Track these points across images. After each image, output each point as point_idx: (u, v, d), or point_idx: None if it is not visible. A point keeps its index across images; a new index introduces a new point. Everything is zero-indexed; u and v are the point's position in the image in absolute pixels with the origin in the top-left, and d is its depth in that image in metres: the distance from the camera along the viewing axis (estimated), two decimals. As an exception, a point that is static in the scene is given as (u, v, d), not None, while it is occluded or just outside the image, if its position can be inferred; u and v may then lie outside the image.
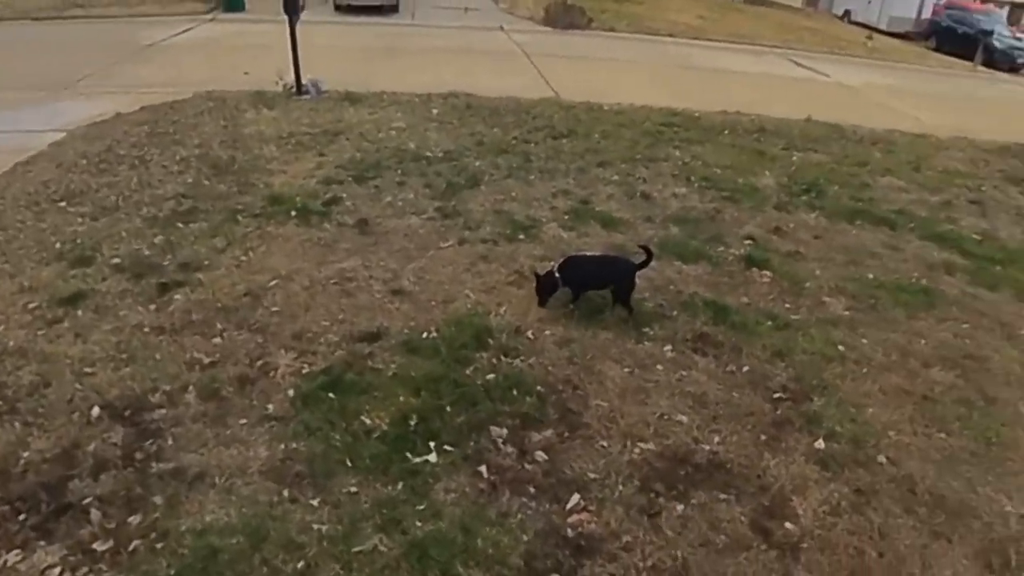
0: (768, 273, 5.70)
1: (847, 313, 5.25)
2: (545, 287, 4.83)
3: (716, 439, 3.86)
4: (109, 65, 11.81)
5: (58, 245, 5.62)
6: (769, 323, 4.98)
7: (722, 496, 3.51)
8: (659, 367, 4.41)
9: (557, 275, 4.80)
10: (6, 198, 6.47)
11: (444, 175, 7.28)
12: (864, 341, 4.89)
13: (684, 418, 3.99)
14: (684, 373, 4.37)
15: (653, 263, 4.91)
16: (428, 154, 7.89)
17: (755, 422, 4.02)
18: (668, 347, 4.60)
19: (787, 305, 5.28)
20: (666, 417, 3.99)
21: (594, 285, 4.94)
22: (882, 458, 3.83)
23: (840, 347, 4.78)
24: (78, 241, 5.67)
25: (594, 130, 9.42)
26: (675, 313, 5.00)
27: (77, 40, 14.17)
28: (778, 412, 4.11)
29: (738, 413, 4.08)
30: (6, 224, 5.98)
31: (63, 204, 6.37)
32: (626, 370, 4.36)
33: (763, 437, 3.91)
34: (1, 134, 8.31)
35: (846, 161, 9.26)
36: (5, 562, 3.08)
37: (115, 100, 9.59)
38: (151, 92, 10.01)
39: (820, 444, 3.89)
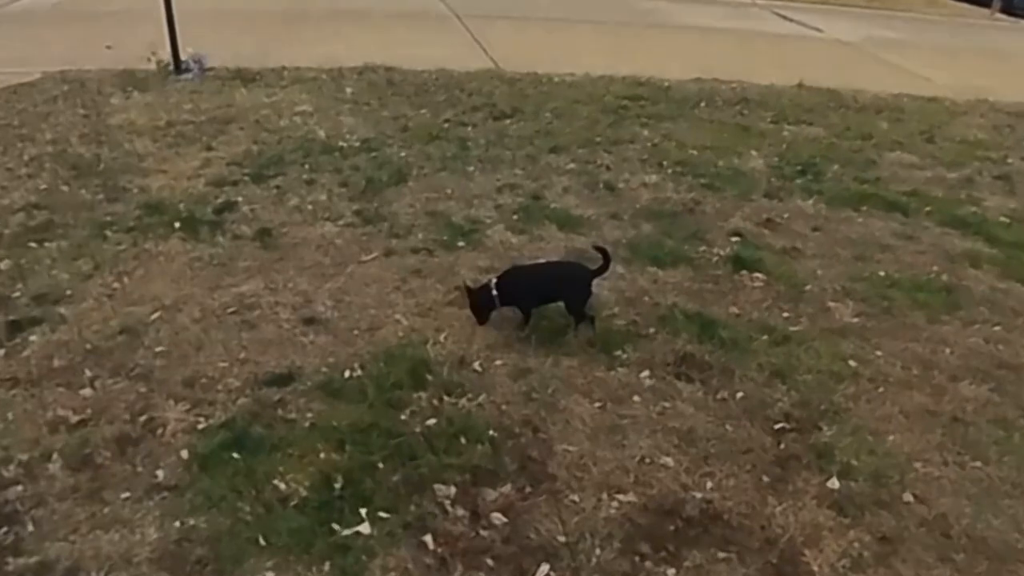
0: (760, 276, 5.76)
1: (857, 320, 5.33)
2: (480, 304, 4.83)
3: (709, 484, 3.85)
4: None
5: None
6: (765, 337, 5.01)
7: (721, 555, 3.48)
8: (636, 399, 4.40)
9: (495, 293, 4.76)
10: None
11: (363, 170, 7.24)
12: (879, 353, 4.96)
13: (670, 460, 3.98)
14: (667, 405, 4.37)
15: (622, 269, 4.93)
16: (342, 144, 7.84)
17: (755, 460, 4.02)
18: (646, 373, 4.60)
19: (785, 314, 5.33)
20: (648, 460, 3.97)
21: (541, 299, 4.91)
22: (908, 496, 3.86)
23: (851, 362, 4.83)
24: None
25: (544, 108, 9.46)
26: (652, 331, 5.01)
27: None
28: (781, 446, 4.12)
29: (734, 451, 4.07)
30: None
31: None
32: (596, 405, 4.34)
33: (765, 478, 3.91)
34: None
35: (847, 134, 9.45)
36: None
37: (-62, 86, 9.34)
38: (-12, 74, 9.76)
39: (834, 483, 3.90)
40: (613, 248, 5.84)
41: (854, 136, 9.38)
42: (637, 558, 3.44)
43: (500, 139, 8.22)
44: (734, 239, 6.34)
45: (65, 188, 6.72)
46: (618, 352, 4.76)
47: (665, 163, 7.87)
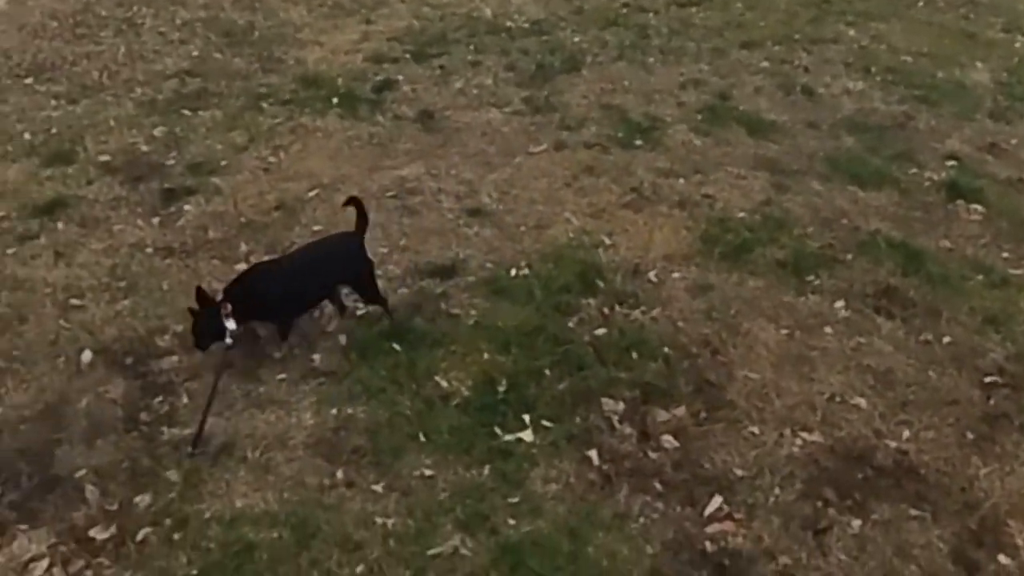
0: (979, 207, 5.40)
1: None
2: (204, 329, 3.82)
3: (906, 434, 3.70)
4: None
5: (27, 136, 5.73)
6: (980, 277, 4.73)
7: (913, 512, 3.36)
8: (828, 330, 4.25)
9: (224, 312, 3.75)
10: (-45, 74, 6.60)
11: (532, 53, 7.14)
12: None
13: (863, 402, 3.84)
14: (862, 340, 4.19)
15: (819, 186, 4.61)
16: (510, 24, 7.74)
17: (960, 414, 3.82)
18: (840, 303, 4.43)
19: (1005, 255, 4.99)
20: (838, 399, 3.85)
21: (316, 298, 4.15)
22: None
23: None
24: (53, 131, 5.78)
25: (735, -5, 9.09)
26: (850, 257, 4.80)
27: None
28: (991, 402, 3.91)
29: (936, 400, 3.89)
30: (-44, 108, 6.10)
31: (30, 81, 6.49)
32: (783, 332, 4.22)
33: (970, 435, 3.72)
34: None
35: (1094, 49, 8.75)
36: (-19, 547, 3.18)
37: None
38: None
39: None
40: (809, 161, 5.66)
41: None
42: (820, 503, 3.35)
43: (684, 28, 7.93)
44: (950, 163, 5.95)
45: (218, 56, 6.91)
46: (810, 277, 4.59)
47: (873, 69, 7.45)
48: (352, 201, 4.15)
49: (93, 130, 5.74)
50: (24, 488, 3.38)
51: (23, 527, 3.22)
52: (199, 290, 3.76)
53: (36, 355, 3.99)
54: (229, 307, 3.74)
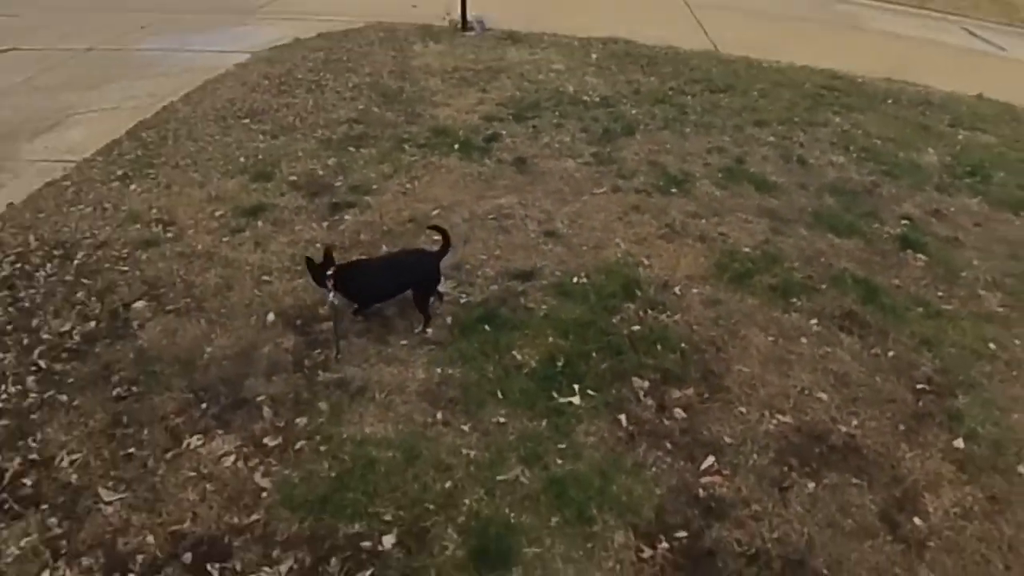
0: (923, 257, 5.17)
1: (1002, 310, 4.70)
2: (315, 274, 3.89)
3: (854, 422, 3.60)
4: (288, -8, 12.05)
5: (242, 159, 5.86)
6: (920, 310, 4.54)
7: (854, 480, 3.28)
8: (804, 340, 4.13)
9: (329, 276, 3.82)
10: (197, 112, 6.78)
11: (600, 120, 7.05)
12: (1017, 342, 4.37)
13: (824, 396, 3.74)
14: (828, 350, 4.08)
15: (805, 232, 4.52)
16: (585, 98, 7.65)
17: (895, 410, 3.71)
18: (814, 321, 4.30)
19: (940, 294, 4.78)
20: (807, 392, 3.75)
21: (389, 293, 4.06)
22: (1022, 468, 3.45)
23: (991, 345, 4.29)
24: (260, 157, 5.89)
25: (752, 87, 8.85)
26: (824, 287, 4.64)
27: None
28: (920, 404, 3.77)
29: (879, 399, 3.77)
30: (197, 136, 6.27)
31: (247, 121, 6.62)
32: (771, 339, 4.11)
33: (902, 427, 3.61)
34: (195, 53, 8.70)
35: (1017, 146, 8.28)
36: (188, 444, 3.28)
37: (294, 26, 9.78)
38: (327, 20, 10.13)
39: (959, 443, 3.55)
40: (799, 213, 5.51)
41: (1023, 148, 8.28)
42: (785, 468, 3.31)
43: (713, 109, 7.78)
44: (904, 222, 5.70)
45: (376, 110, 6.96)
46: (794, 299, 4.46)
47: (851, 148, 7.20)
48: (437, 229, 4.10)
49: (287, 158, 5.85)
50: (222, 405, 3.49)
51: (220, 432, 3.35)
52: (327, 248, 3.89)
53: (237, 313, 4.10)
54: (331, 275, 3.77)
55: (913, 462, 3.41)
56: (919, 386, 3.89)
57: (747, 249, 4.93)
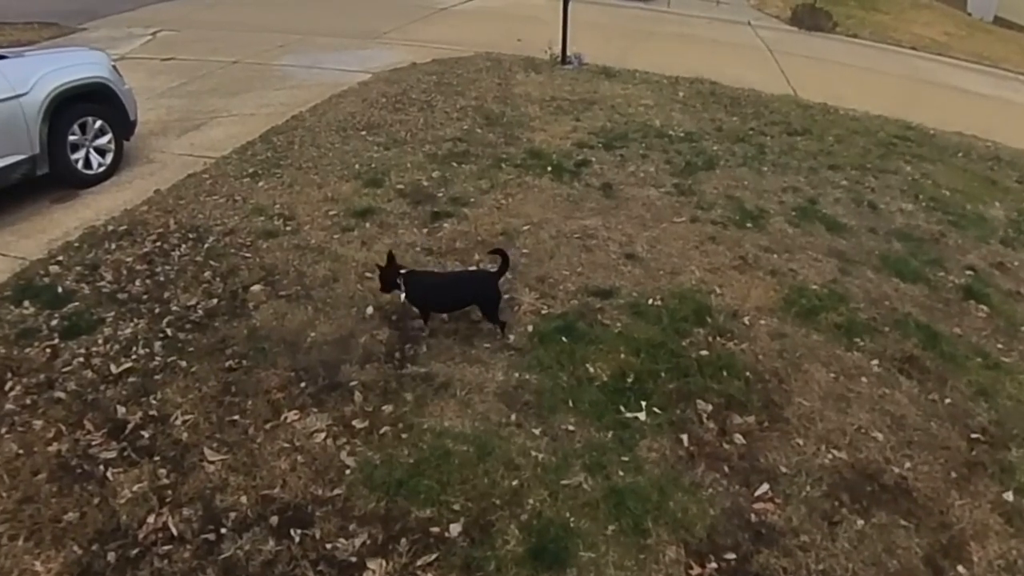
0: (985, 308, 4.79)
1: None
2: (388, 278, 3.85)
3: (907, 464, 3.33)
4: (408, 23, 12.21)
5: (357, 166, 5.93)
6: (979, 360, 4.19)
7: (902, 522, 3.03)
8: (864, 380, 3.86)
9: (401, 287, 3.81)
10: (322, 123, 6.92)
11: (683, 154, 6.85)
12: None
13: (880, 436, 3.48)
14: (887, 391, 3.80)
15: (872, 275, 4.22)
16: (671, 132, 7.46)
17: (948, 457, 3.42)
18: (875, 362, 4.02)
19: (1000, 345, 4.41)
20: (863, 431, 3.50)
21: (448, 307, 3.99)
22: None
23: None
24: (372, 165, 5.95)
25: (828, 132, 8.47)
26: (887, 329, 4.34)
27: (385, 2, 14.82)
28: (973, 452, 3.47)
29: (933, 444, 3.48)
30: (319, 143, 6.40)
31: (364, 133, 6.71)
32: (832, 375, 3.86)
33: (953, 474, 3.32)
34: (324, 71, 8.94)
35: (1086, 206, 7.69)
36: (286, 418, 3.30)
37: (412, 52, 9.94)
38: (440, 48, 10.26)
39: (1009, 496, 3.24)
40: (867, 256, 5.20)
41: (1095, 208, 7.61)
42: (836, 503, 3.10)
43: (790, 150, 7.46)
44: (968, 272, 5.31)
45: (479, 131, 6.95)
46: (857, 339, 4.18)
47: (920, 196, 6.77)
48: (498, 251, 3.97)
49: (396, 168, 5.88)
50: (318, 385, 3.50)
51: (314, 410, 3.35)
52: (390, 254, 3.89)
53: (340, 304, 4.11)
54: (402, 278, 3.78)
55: (962, 510, 3.14)
56: (973, 435, 3.60)
57: (815, 286, 4.66)
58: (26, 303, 4.10)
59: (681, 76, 9.87)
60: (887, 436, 3.49)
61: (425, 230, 4.96)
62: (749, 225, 5.50)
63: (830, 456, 3.32)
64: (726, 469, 3.20)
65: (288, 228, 4.92)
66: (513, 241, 4.82)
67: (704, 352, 3.89)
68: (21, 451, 3.11)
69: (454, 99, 7.83)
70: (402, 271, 3.80)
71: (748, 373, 3.78)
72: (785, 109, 9.20)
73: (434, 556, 2.70)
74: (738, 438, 3.37)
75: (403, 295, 3.80)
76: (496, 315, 3.88)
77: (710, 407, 3.52)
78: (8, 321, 3.96)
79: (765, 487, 3.13)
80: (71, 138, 5.46)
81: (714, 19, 16.82)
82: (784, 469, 3.23)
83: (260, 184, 5.59)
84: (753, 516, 2.99)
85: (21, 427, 3.24)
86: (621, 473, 3.08)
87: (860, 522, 3.01)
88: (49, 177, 5.36)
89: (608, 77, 9.49)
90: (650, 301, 4.30)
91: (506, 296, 4.17)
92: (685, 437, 3.33)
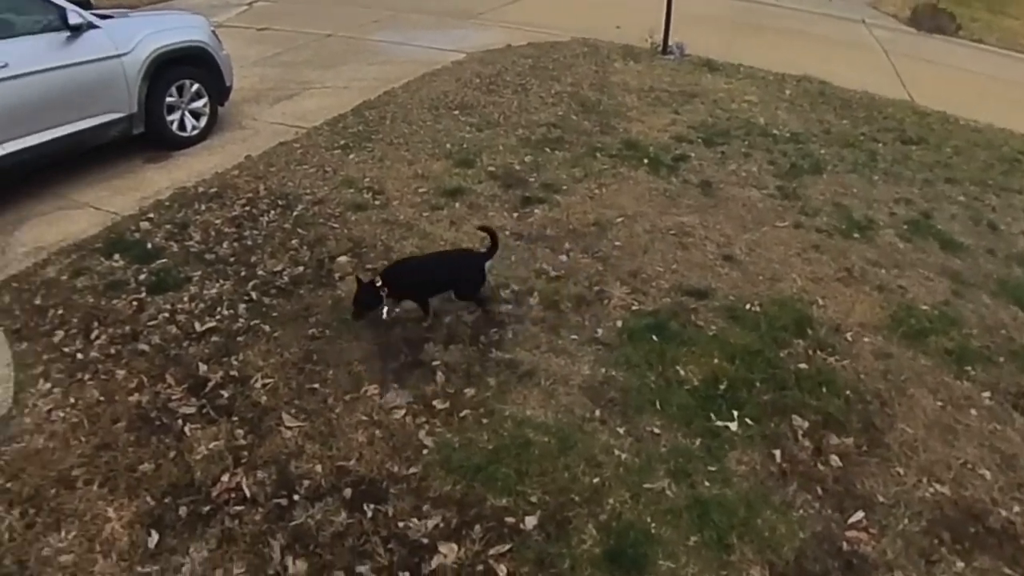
0: None
1: None
2: (363, 299, 3.64)
3: (1016, 508, 3.10)
4: (503, 4, 12.22)
5: (448, 145, 5.97)
6: None
7: (1007, 570, 2.82)
8: (973, 412, 3.62)
9: (380, 285, 3.60)
10: (414, 100, 7.01)
11: (788, 155, 6.61)
12: None
13: (988, 474, 3.24)
14: (998, 427, 3.54)
15: (988, 300, 3.92)
16: (775, 132, 7.21)
17: None
18: (987, 393, 3.76)
19: None
20: (969, 466, 3.27)
21: (434, 289, 3.81)
22: None
23: None
24: (464, 146, 5.98)
25: (946, 143, 8.02)
26: (1002, 360, 4.05)
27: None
28: None
29: (1047, 490, 3.24)
30: (411, 120, 6.48)
31: (456, 113, 6.75)
32: (939, 403, 3.64)
33: None
34: (417, 48, 9.06)
35: None
36: (366, 391, 3.34)
37: (507, 33, 9.94)
38: (537, 31, 10.23)
39: None
40: (984, 279, 4.89)
41: None
42: (936, 540, 2.90)
43: (904, 159, 7.10)
44: None
45: (574, 117, 6.89)
46: (968, 368, 3.93)
47: (1048, 219, 6.36)
48: (486, 229, 3.89)
49: (488, 150, 5.90)
50: (401, 363, 3.53)
51: (395, 386, 3.38)
52: (357, 278, 3.66)
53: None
54: (380, 282, 3.59)
55: (1074, 565, 2.91)
56: (1095, 486, 3.33)
57: (925, 307, 4.42)
58: (116, 256, 4.31)
59: (788, 73, 9.53)
60: (995, 475, 3.26)
61: (516, 214, 4.95)
62: (856, 236, 5.26)
63: (932, 490, 3.13)
64: (819, 491, 3.05)
65: (377, 202, 5.00)
66: (605, 233, 4.76)
67: (803, 365, 3.74)
68: (102, 398, 3.26)
69: (549, 84, 7.79)
70: (377, 276, 3.63)
71: (849, 392, 3.61)
72: (900, 115, 8.76)
73: (508, 547, 2.67)
74: (834, 460, 3.22)
75: (385, 310, 3.66)
76: (473, 296, 3.81)
77: (806, 424, 3.37)
78: (98, 272, 4.17)
79: (860, 515, 2.97)
80: (168, 99, 5.69)
81: (826, 15, 16.19)
82: (881, 498, 3.06)
83: (351, 157, 5.70)
84: (845, 544, 2.84)
85: (104, 375, 3.40)
86: (707, 483, 2.99)
87: (960, 564, 2.82)
88: (144, 137, 5.61)
89: (711, 70, 9.25)
90: (747, 306, 4.17)
91: (595, 288, 4.14)
92: (778, 453, 3.20)
